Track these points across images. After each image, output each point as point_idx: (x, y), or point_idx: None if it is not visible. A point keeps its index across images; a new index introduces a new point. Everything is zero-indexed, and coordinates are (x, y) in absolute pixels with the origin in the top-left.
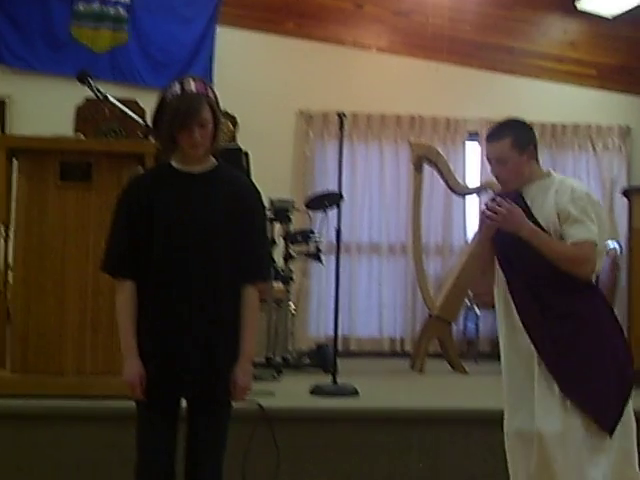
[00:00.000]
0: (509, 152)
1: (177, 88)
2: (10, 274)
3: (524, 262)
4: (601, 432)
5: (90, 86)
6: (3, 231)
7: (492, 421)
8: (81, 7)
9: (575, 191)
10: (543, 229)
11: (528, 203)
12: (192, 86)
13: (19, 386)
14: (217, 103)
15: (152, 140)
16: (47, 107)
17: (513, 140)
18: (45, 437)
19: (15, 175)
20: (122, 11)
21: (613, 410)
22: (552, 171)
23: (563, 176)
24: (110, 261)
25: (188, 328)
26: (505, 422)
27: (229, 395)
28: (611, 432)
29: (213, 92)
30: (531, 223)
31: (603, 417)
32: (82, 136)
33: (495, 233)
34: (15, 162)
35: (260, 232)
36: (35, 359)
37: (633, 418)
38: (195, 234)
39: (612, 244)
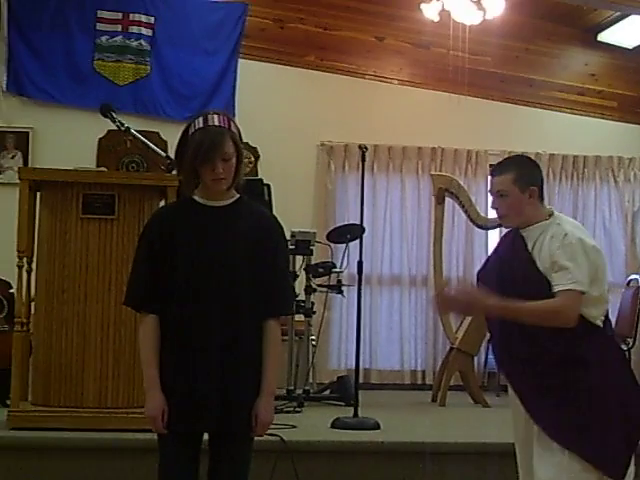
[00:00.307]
0: (510, 187)
1: (200, 122)
2: (33, 306)
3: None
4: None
5: (112, 119)
6: (26, 263)
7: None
8: (104, 40)
9: (567, 236)
10: (541, 273)
11: (529, 246)
12: (215, 120)
13: (41, 419)
14: (240, 137)
15: (175, 173)
16: (70, 139)
17: (516, 176)
18: (66, 470)
19: (38, 207)
20: (145, 44)
21: (619, 457)
22: (555, 211)
23: (564, 217)
24: (132, 295)
25: (208, 362)
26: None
27: (250, 429)
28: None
29: (236, 126)
30: (494, 299)
31: (611, 467)
32: (105, 169)
33: (481, 277)
34: (38, 194)
35: (282, 265)
36: (57, 391)
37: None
38: (216, 268)
39: (634, 276)
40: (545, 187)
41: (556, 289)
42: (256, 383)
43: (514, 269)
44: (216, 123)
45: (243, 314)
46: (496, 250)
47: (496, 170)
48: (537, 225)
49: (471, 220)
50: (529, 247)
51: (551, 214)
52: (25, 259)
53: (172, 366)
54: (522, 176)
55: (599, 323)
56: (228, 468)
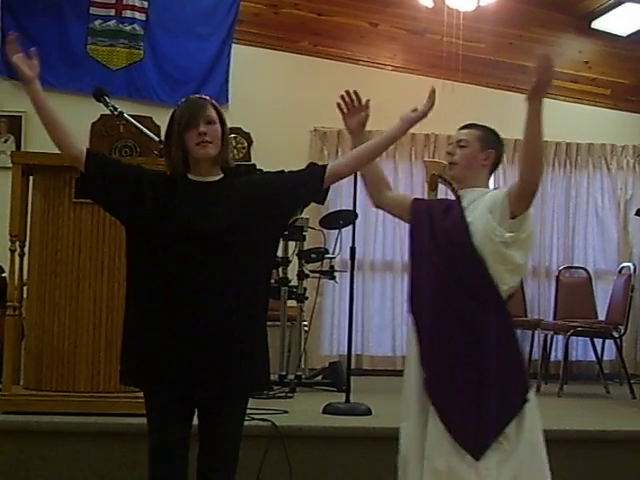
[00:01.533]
0: (473, 140)
1: (182, 100)
2: (25, 290)
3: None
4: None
5: (106, 103)
6: (18, 247)
7: None
8: (97, 25)
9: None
10: (469, 232)
11: (464, 205)
12: (196, 96)
13: (33, 403)
14: (223, 115)
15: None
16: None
17: (482, 134)
18: (58, 454)
19: (31, 192)
20: (138, 28)
21: (483, 437)
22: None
23: None
24: None
25: (198, 329)
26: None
27: (241, 395)
28: (478, 456)
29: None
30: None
31: (471, 442)
32: None
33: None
34: (31, 178)
35: (283, 174)
36: (49, 375)
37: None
38: (211, 238)
39: (626, 264)
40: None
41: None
42: (249, 351)
43: (449, 230)
44: (197, 97)
45: (236, 285)
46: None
47: (465, 126)
48: (478, 190)
49: None
50: (464, 204)
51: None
52: (17, 243)
53: (161, 332)
54: (487, 137)
55: (504, 296)
56: (218, 447)
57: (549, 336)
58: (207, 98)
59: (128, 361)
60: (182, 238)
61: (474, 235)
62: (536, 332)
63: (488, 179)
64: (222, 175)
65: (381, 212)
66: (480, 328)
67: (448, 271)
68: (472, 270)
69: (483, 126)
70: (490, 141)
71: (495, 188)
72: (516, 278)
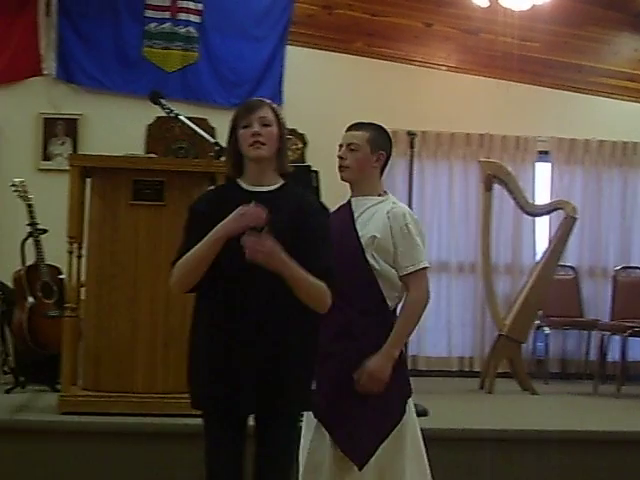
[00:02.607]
0: (364, 143)
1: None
2: (82, 291)
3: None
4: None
5: (162, 105)
6: (76, 249)
7: (563, 441)
8: (152, 27)
9: (406, 216)
10: (361, 244)
11: (355, 215)
12: (255, 98)
13: (91, 403)
14: (282, 119)
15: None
16: (118, 126)
17: (371, 136)
18: (116, 454)
19: (88, 194)
20: (193, 31)
21: (368, 447)
22: (389, 193)
23: (395, 199)
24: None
25: (249, 345)
26: None
27: (294, 411)
28: (361, 467)
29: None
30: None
31: (358, 455)
32: (154, 155)
33: None
34: (88, 181)
35: (325, 244)
36: (106, 376)
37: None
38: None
39: None
40: (595, 173)
41: (407, 271)
42: (301, 367)
43: (340, 238)
44: (256, 99)
45: (287, 299)
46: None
47: (354, 126)
48: (370, 198)
49: (519, 207)
50: (355, 215)
51: (386, 192)
52: (75, 245)
53: (213, 350)
54: (376, 138)
55: (390, 304)
56: (273, 455)
57: (606, 337)
58: (266, 100)
59: (197, 384)
60: (230, 256)
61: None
62: (592, 333)
63: (380, 180)
64: (279, 184)
65: (437, 212)
66: (364, 337)
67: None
68: (359, 281)
69: (372, 125)
70: (380, 142)
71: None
72: (396, 292)
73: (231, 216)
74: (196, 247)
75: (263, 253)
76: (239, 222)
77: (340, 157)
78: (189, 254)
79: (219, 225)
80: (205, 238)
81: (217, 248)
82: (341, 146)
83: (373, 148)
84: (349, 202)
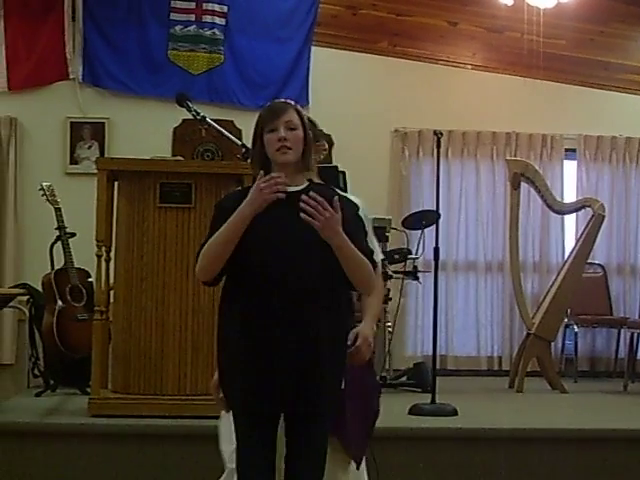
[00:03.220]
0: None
1: (267, 104)
2: (111, 295)
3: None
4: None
5: (188, 108)
6: (104, 252)
7: (595, 440)
8: (178, 30)
9: (360, 211)
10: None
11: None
12: (280, 100)
13: (120, 406)
14: (307, 119)
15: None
16: (145, 129)
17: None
18: (145, 456)
19: (116, 197)
20: (218, 33)
21: (363, 445)
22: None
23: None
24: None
25: (286, 345)
26: None
27: (326, 412)
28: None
29: (305, 114)
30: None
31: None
32: (181, 158)
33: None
34: (115, 184)
35: (362, 233)
36: (136, 379)
37: None
38: (289, 252)
39: None
40: (622, 171)
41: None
42: (334, 365)
43: None
44: (281, 101)
45: (319, 296)
46: None
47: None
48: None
49: (547, 205)
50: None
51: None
52: (104, 248)
53: (245, 350)
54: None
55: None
56: (305, 454)
57: (635, 334)
58: (291, 103)
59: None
60: (261, 252)
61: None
62: (622, 330)
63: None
64: (305, 185)
65: (464, 212)
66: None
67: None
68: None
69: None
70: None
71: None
72: None
73: (251, 194)
74: (220, 230)
75: (324, 219)
76: (261, 195)
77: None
78: (212, 239)
79: (241, 206)
80: (229, 219)
81: (240, 230)
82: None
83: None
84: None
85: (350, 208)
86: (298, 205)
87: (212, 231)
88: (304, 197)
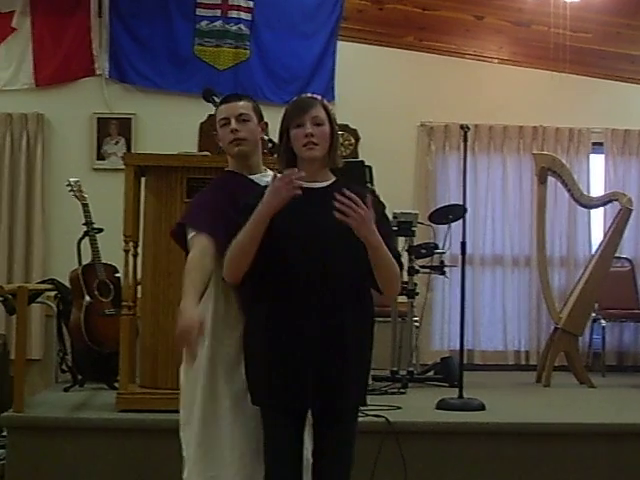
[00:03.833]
0: (252, 113)
1: (294, 99)
2: (139, 289)
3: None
4: None
5: (215, 103)
6: (132, 247)
7: (623, 435)
8: (204, 25)
9: None
10: None
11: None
12: (307, 95)
13: (148, 401)
14: (333, 115)
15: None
16: (171, 124)
17: (254, 105)
18: (174, 451)
19: (143, 192)
20: (244, 28)
21: None
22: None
23: None
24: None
25: (314, 344)
26: None
27: (353, 411)
28: None
29: (330, 109)
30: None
31: None
32: (208, 153)
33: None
34: (143, 179)
35: (390, 231)
36: (164, 373)
37: None
38: (316, 249)
39: None
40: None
41: None
42: (361, 364)
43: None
44: (307, 96)
45: (344, 293)
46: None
47: (233, 97)
48: (269, 173)
49: (574, 199)
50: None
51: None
52: (131, 243)
53: (274, 349)
54: (257, 108)
55: None
56: (333, 449)
57: None
58: (317, 98)
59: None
60: (287, 249)
61: None
62: None
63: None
64: (331, 180)
65: (490, 206)
66: None
67: None
68: None
69: (248, 96)
70: (259, 112)
71: None
72: None
73: (268, 193)
74: (242, 230)
75: (359, 217)
76: (278, 194)
77: (234, 130)
78: (235, 240)
79: (259, 206)
80: (250, 219)
81: (261, 229)
82: (227, 119)
83: (258, 118)
84: (251, 181)
85: (376, 207)
86: (325, 201)
87: (238, 229)
88: (338, 196)
